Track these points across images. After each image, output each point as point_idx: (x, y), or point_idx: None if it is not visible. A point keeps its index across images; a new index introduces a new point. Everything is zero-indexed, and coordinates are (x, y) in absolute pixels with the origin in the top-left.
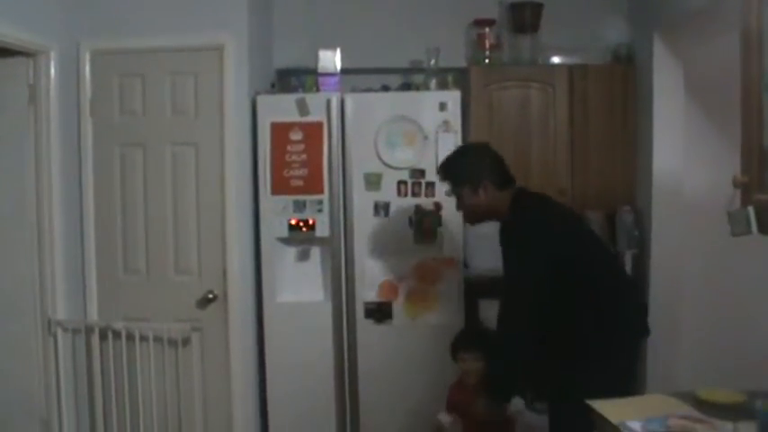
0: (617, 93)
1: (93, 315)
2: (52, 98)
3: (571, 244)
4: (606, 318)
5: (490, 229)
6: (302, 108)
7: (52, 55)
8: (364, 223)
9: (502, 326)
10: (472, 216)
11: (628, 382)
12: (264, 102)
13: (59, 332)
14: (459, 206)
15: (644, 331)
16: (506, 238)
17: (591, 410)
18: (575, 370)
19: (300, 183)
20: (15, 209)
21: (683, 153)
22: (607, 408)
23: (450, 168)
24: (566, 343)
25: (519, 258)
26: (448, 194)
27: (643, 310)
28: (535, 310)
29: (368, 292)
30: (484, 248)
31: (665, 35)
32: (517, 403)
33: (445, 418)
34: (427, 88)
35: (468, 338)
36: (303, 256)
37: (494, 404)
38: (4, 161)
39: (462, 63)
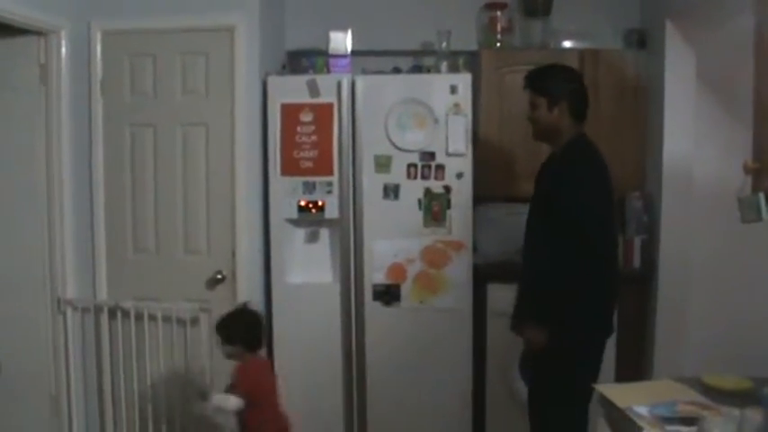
0: (628, 78)
1: (103, 294)
2: (63, 78)
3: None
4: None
5: (500, 213)
6: (313, 89)
7: (63, 34)
8: (374, 205)
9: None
10: (539, 130)
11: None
12: (275, 83)
13: (69, 311)
14: (531, 116)
15: (610, 328)
16: (554, 176)
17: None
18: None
19: (310, 164)
20: (26, 188)
21: (693, 139)
22: (614, 392)
23: (537, 77)
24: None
25: (577, 200)
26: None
27: (612, 307)
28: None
29: (376, 274)
30: (493, 233)
31: (676, 20)
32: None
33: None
34: (438, 71)
35: None
36: (312, 238)
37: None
38: (15, 140)
39: (473, 46)
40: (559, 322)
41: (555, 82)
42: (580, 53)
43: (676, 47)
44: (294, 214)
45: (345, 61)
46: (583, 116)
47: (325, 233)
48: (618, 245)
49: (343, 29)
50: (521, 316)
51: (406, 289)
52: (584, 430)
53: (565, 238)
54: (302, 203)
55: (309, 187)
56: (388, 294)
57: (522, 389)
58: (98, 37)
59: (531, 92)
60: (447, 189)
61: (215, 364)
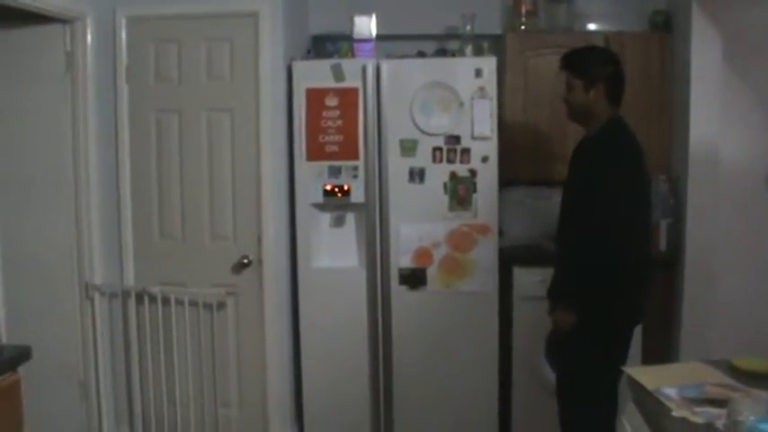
0: (654, 60)
1: (130, 280)
2: (89, 65)
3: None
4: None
5: (525, 196)
6: (338, 74)
7: (89, 21)
8: (399, 189)
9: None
10: (574, 111)
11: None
12: (300, 67)
13: (96, 296)
14: (566, 97)
15: (639, 315)
16: (586, 159)
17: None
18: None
19: (336, 148)
20: (53, 175)
21: (720, 122)
22: (642, 374)
23: (574, 58)
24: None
25: (609, 185)
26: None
27: (642, 294)
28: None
29: (402, 258)
30: (519, 216)
31: (702, 2)
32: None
33: None
34: (463, 54)
35: None
36: (338, 222)
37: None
38: (41, 127)
39: (498, 29)
40: (587, 306)
41: (592, 64)
42: (605, 36)
43: (702, 29)
44: (320, 199)
45: (370, 45)
46: (619, 99)
47: (350, 217)
48: (651, 231)
49: (368, 13)
50: (552, 298)
51: (431, 273)
52: (612, 414)
53: (596, 222)
54: (328, 188)
55: (335, 171)
56: (413, 278)
57: (548, 373)
58: (123, 23)
59: (568, 73)
60: (472, 173)
61: (241, 348)
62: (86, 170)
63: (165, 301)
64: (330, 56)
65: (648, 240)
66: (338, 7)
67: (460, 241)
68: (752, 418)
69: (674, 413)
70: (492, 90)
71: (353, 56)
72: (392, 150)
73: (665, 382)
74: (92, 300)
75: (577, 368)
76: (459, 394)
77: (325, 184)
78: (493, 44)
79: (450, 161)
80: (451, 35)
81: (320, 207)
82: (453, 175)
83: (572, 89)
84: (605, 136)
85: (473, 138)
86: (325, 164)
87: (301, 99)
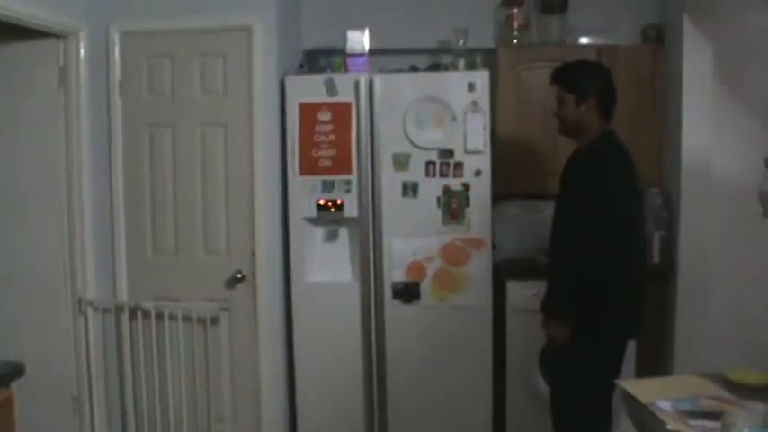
0: (646, 74)
1: (123, 294)
2: (82, 79)
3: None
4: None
5: (518, 210)
6: (331, 89)
7: (82, 36)
8: (392, 203)
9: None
10: (566, 126)
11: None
12: (293, 82)
13: (90, 311)
14: (558, 113)
15: (634, 329)
16: (578, 173)
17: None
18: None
19: (329, 163)
20: (46, 190)
21: (712, 134)
22: (636, 387)
23: (565, 72)
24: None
25: (601, 199)
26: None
27: (636, 308)
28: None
29: (396, 272)
30: (512, 230)
31: (694, 15)
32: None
33: None
34: (456, 69)
35: None
36: (331, 237)
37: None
38: (35, 142)
39: (490, 44)
40: (581, 319)
41: (583, 78)
42: (598, 49)
43: (694, 42)
44: (313, 213)
45: (363, 60)
46: (610, 113)
47: (344, 232)
48: (644, 244)
49: (361, 28)
50: (546, 311)
51: (425, 287)
52: (605, 428)
53: (588, 236)
54: (321, 202)
55: (328, 186)
56: (407, 292)
57: (542, 386)
58: (116, 38)
59: (559, 88)
60: (466, 187)
61: (235, 362)
62: (80, 184)
63: (159, 316)
64: (323, 70)
65: (642, 254)
66: (331, 22)
67: (454, 255)
68: (746, 430)
69: (669, 426)
70: (485, 104)
71: (346, 70)
72: (385, 164)
73: (660, 395)
74: (85, 315)
75: (571, 381)
76: (454, 408)
77: (318, 199)
78: (485, 58)
79: (443, 175)
80: (444, 49)
81: (313, 221)
82: (446, 189)
83: (563, 104)
84: (597, 150)
85: (466, 152)
86: (319, 178)
87: (294, 114)
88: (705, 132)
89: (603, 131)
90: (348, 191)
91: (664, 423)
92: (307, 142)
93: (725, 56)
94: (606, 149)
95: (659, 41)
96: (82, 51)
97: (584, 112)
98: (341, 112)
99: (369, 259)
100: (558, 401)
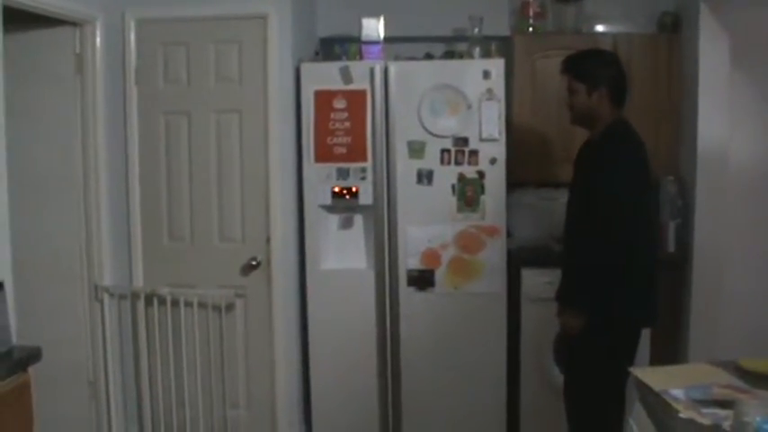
0: (662, 62)
1: (139, 281)
2: (98, 67)
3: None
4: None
5: (533, 198)
6: (346, 76)
7: (98, 24)
8: (407, 191)
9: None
10: (577, 115)
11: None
12: (308, 70)
13: (106, 298)
14: (569, 102)
15: (652, 321)
16: (590, 161)
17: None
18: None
19: (344, 150)
20: (63, 177)
21: (728, 123)
22: (649, 376)
23: (575, 62)
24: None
25: (612, 183)
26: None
27: (656, 299)
28: (633, 228)
29: (410, 259)
30: (527, 218)
31: (710, 3)
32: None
33: None
34: (471, 56)
35: None
36: (346, 224)
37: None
38: (51, 129)
39: (506, 31)
40: (595, 307)
41: (594, 67)
42: (613, 37)
43: (711, 30)
44: (328, 200)
45: (378, 48)
46: (622, 101)
47: (359, 219)
48: (656, 231)
49: (376, 15)
50: (561, 300)
51: (440, 274)
52: (619, 416)
53: (600, 223)
54: (336, 190)
55: (343, 173)
56: (422, 280)
57: (556, 374)
58: (132, 26)
59: (570, 77)
60: (481, 174)
61: (249, 349)
62: (96, 172)
63: (174, 303)
64: (338, 58)
65: (655, 241)
66: (346, 10)
67: (468, 243)
68: (758, 419)
69: (682, 414)
70: (500, 92)
71: (361, 58)
72: (400, 152)
73: (673, 384)
74: (101, 301)
75: (585, 369)
76: (468, 395)
77: (333, 186)
78: (501, 46)
79: (458, 163)
80: (459, 37)
81: (328, 209)
82: (461, 177)
83: (575, 93)
84: (609, 138)
85: (481, 139)
86: (334, 166)
87: (309, 101)
88: (721, 121)
89: (615, 119)
90: (363, 178)
91: (676, 411)
92: (322, 130)
93: (741, 44)
94: (618, 137)
95: (675, 29)
96: (98, 39)
97: (596, 100)
98: (356, 100)
99: (383, 247)
100: (572, 390)
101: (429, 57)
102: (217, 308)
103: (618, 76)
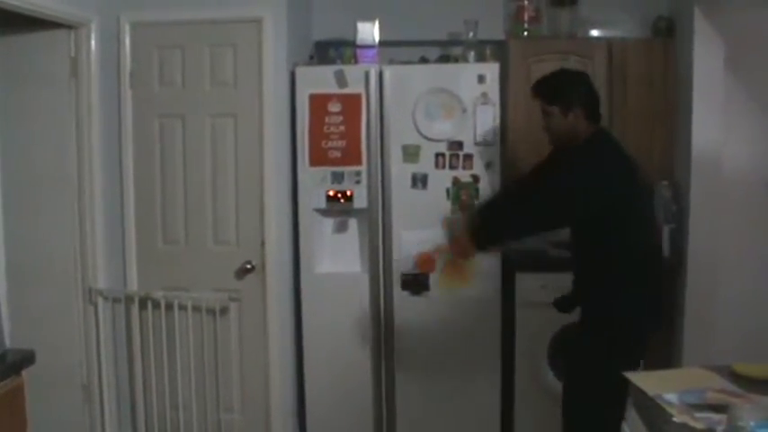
0: (656, 67)
1: (133, 284)
2: (93, 70)
3: (618, 193)
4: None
5: None
6: (341, 80)
7: (93, 27)
8: (402, 195)
9: (527, 209)
10: (555, 137)
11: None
12: (303, 73)
13: (100, 301)
14: (546, 125)
15: (656, 325)
16: (561, 160)
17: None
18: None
19: (338, 154)
20: (57, 180)
21: (722, 128)
22: (643, 380)
23: (546, 86)
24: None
25: (569, 180)
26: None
27: (660, 302)
28: (555, 224)
29: (405, 263)
30: None
31: (705, 8)
32: None
33: None
34: (466, 60)
35: None
36: (341, 228)
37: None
38: (46, 132)
39: (501, 36)
40: (597, 309)
41: (565, 88)
42: (608, 42)
43: (705, 35)
44: (323, 204)
45: (373, 51)
46: (598, 116)
47: (353, 223)
48: (653, 236)
49: (371, 19)
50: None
51: (434, 278)
52: (617, 424)
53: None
54: (331, 193)
55: (338, 177)
56: (416, 284)
57: (550, 378)
58: (127, 29)
59: (543, 101)
60: (475, 178)
61: (244, 352)
62: (90, 174)
63: (168, 306)
64: (333, 62)
65: (655, 246)
66: (341, 13)
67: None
68: (752, 423)
69: (675, 419)
70: (495, 96)
71: (356, 62)
72: (395, 156)
73: (666, 388)
74: (95, 304)
75: (586, 375)
76: (462, 399)
77: (327, 190)
78: (496, 50)
79: (452, 167)
80: (454, 41)
81: (323, 212)
82: (456, 181)
83: (550, 116)
84: (586, 144)
85: (476, 143)
86: (328, 169)
87: (304, 105)
88: (715, 125)
89: (593, 133)
90: (358, 182)
91: (670, 415)
92: (316, 133)
93: (736, 49)
94: (596, 143)
95: (670, 34)
96: (93, 42)
97: (572, 120)
98: (351, 104)
99: (378, 251)
100: (572, 395)
101: (424, 60)
102: (211, 311)
103: (590, 93)
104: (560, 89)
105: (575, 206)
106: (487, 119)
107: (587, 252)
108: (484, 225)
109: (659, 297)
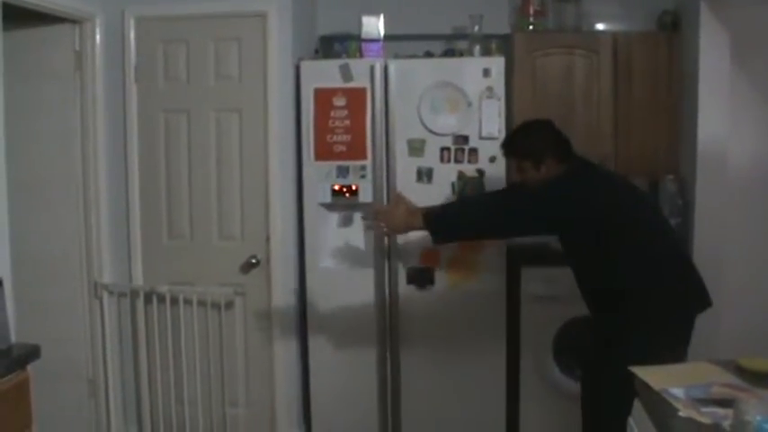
0: (662, 60)
1: (139, 279)
2: (98, 65)
3: (604, 200)
4: (658, 285)
5: None
6: (346, 74)
7: (98, 22)
8: (407, 189)
9: (495, 201)
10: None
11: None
12: (308, 67)
13: (105, 296)
14: (523, 179)
15: (704, 303)
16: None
17: (627, 386)
18: (617, 328)
19: (344, 148)
20: (62, 174)
21: (728, 121)
22: (649, 374)
23: (513, 145)
24: (610, 301)
25: (542, 191)
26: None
27: (701, 282)
28: (520, 228)
29: (410, 258)
30: None
31: (711, 2)
32: None
33: None
34: (471, 54)
35: None
36: (346, 222)
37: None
38: (51, 127)
39: (506, 29)
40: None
41: (531, 142)
42: (613, 36)
43: (711, 29)
44: (328, 198)
45: (378, 46)
46: (570, 155)
47: (358, 217)
48: (668, 227)
49: (376, 13)
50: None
51: (440, 272)
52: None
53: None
54: (336, 188)
55: (343, 171)
56: (421, 278)
57: (556, 373)
58: (131, 24)
59: (514, 158)
60: (480, 173)
61: (249, 347)
62: (95, 169)
63: (174, 301)
64: (338, 56)
65: (664, 242)
66: (346, 7)
67: (468, 242)
68: (758, 417)
69: (681, 413)
70: (500, 90)
71: (361, 56)
72: (400, 150)
73: (672, 383)
74: (100, 299)
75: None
76: (467, 394)
77: (333, 184)
78: (501, 44)
79: (458, 161)
80: (459, 35)
81: (328, 207)
82: (461, 175)
83: (524, 171)
84: (564, 173)
85: (481, 138)
86: (334, 164)
87: (309, 99)
88: (721, 119)
89: (566, 169)
90: (363, 176)
91: (676, 410)
92: (321, 128)
93: (741, 43)
94: (569, 172)
95: (675, 28)
96: (98, 37)
97: (545, 171)
98: (356, 98)
99: (383, 245)
100: (594, 395)
101: (429, 55)
102: (216, 306)
103: (557, 139)
104: (529, 145)
105: (549, 205)
106: (493, 113)
107: (595, 274)
108: (444, 209)
109: (689, 282)
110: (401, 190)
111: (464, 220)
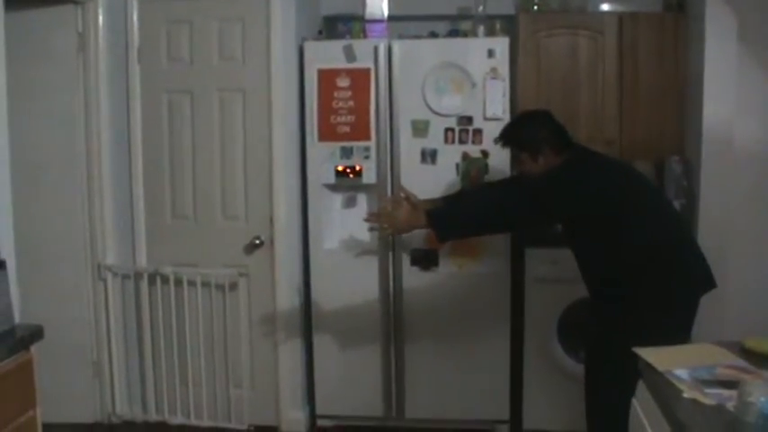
0: (667, 41)
1: (142, 260)
2: (101, 46)
3: (604, 188)
4: (663, 270)
5: None
6: (349, 55)
7: (100, 2)
8: (411, 170)
9: (497, 198)
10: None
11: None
12: (311, 48)
13: (109, 277)
14: (521, 170)
15: (709, 285)
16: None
17: (631, 367)
18: (621, 311)
19: (347, 129)
20: (65, 156)
21: (734, 103)
22: (654, 356)
23: (510, 136)
24: (613, 285)
25: (541, 184)
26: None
27: (705, 264)
28: (524, 224)
29: (414, 239)
30: None
31: None
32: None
33: None
34: (475, 35)
35: None
36: (350, 203)
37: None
38: (53, 108)
39: (510, 10)
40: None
41: (527, 133)
42: (619, 16)
43: (717, 9)
44: (332, 179)
45: (382, 26)
46: (568, 144)
47: (362, 198)
48: (672, 210)
49: None
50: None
51: (444, 254)
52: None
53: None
54: (339, 168)
55: (347, 152)
56: (425, 259)
57: (559, 354)
58: (134, 4)
59: (512, 150)
60: (485, 154)
61: (253, 328)
62: (99, 151)
63: (178, 282)
64: (342, 36)
65: (671, 227)
66: None
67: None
68: (763, 399)
69: (685, 394)
70: (504, 71)
71: (365, 36)
72: (404, 131)
73: (677, 364)
74: (104, 280)
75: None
76: (471, 375)
77: (336, 165)
78: (505, 24)
79: (462, 142)
80: (464, 15)
81: (332, 188)
82: (465, 156)
83: (522, 162)
84: (564, 164)
85: (485, 118)
86: (337, 144)
87: (313, 80)
88: (727, 101)
89: (564, 159)
90: (367, 157)
91: (680, 391)
92: (325, 108)
93: (748, 24)
94: (570, 163)
95: (681, 9)
96: (100, 17)
97: (543, 161)
98: (359, 79)
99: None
100: (599, 380)
101: (433, 35)
102: (220, 287)
103: (554, 130)
104: (524, 137)
105: (550, 199)
106: (497, 93)
107: (597, 259)
108: (446, 207)
109: (693, 264)
110: (404, 177)
111: (467, 218)
